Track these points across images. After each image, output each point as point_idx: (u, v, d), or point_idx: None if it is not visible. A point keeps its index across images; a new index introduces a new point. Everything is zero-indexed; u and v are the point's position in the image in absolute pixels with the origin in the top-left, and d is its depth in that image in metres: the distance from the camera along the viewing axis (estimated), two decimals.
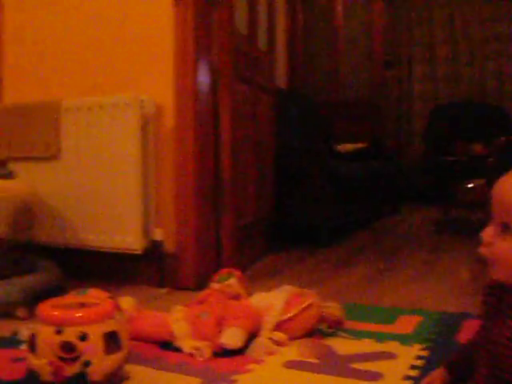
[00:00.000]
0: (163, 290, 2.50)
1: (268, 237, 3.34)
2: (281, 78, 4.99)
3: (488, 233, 1.02)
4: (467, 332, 1.87)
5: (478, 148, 4.20)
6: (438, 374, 1.26)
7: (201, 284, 2.36)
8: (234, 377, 1.53)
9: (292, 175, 3.56)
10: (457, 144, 4.38)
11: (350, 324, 1.95)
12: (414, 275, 2.80)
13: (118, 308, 1.55)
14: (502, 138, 3.04)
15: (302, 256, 3.26)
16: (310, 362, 1.64)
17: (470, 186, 4.18)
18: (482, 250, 1.03)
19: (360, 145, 4.84)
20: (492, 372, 1.03)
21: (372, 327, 1.97)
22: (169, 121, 2.52)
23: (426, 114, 6.05)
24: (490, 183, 3.20)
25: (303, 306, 1.83)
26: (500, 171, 2.83)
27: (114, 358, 1.41)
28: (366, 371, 1.57)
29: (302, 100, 4.77)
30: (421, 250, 3.50)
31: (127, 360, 1.49)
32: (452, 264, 3.11)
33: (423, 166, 5.95)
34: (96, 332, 1.38)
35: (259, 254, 3.16)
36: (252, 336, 1.75)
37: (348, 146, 4.68)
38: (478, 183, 4.14)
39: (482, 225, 2.84)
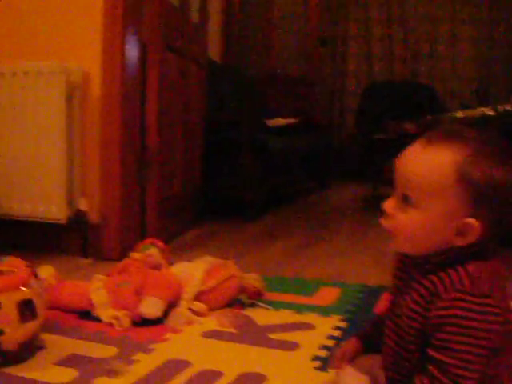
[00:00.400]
0: (87, 261, 2.47)
1: (196, 209, 3.33)
2: (215, 51, 4.95)
3: (389, 205, 1.03)
4: (383, 304, 1.93)
5: (408, 127, 4.27)
6: (352, 343, 1.28)
7: (125, 255, 2.32)
8: (151, 346, 1.53)
9: (222, 148, 3.55)
10: (388, 122, 4.45)
11: (270, 295, 1.97)
12: (338, 249, 2.85)
13: (35, 276, 1.51)
14: (428, 117, 3.10)
15: (229, 229, 3.27)
16: (229, 332, 1.66)
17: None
18: (384, 222, 1.04)
19: (292, 120, 4.85)
20: (397, 344, 1.06)
21: (292, 299, 1.99)
22: (96, 90, 2.47)
23: (360, 92, 6.12)
24: None
25: (223, 276, 1.84)
26: None
27: (29, 327, 1.39)
28: (283, 341, 1.59)
29: (235, 73, 4.76)
30: (346, 225, 3.56)
31: (43, 329, 1.47)
32: (375, 239, 3.17)
33: (354, 143, 6.04)
34: (9, 300, 1.35)
35: (186, 226, 3.15)
36: (171, 306, 1.75)
37: (280, 121, 4.68)
38: None
39: None
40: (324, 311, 1.86)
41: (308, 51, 6.07)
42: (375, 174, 4.57)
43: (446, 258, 0.99)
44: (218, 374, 1.36)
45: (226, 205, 3.74)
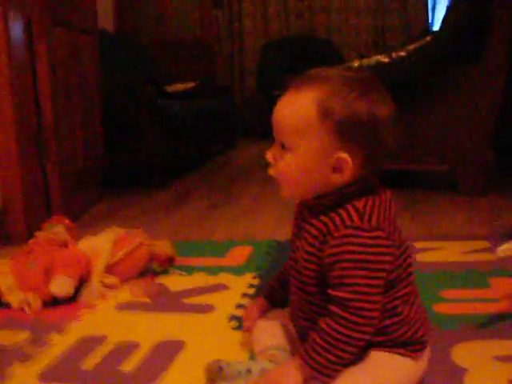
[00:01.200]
0: None
1: (101, 182, 3.26)
2: (107, 22, 4.80)
3: (270, 154, 1.06)
4: None
5: None
6: (257, 301, 1.31)
7: (32, 236, 2.26)
8: (65, 325, 1.50)
9: (122, 118, 3.47)
10: (287, 78, 4.46)
11: (181, 260, 1.96)
12: (245, 209, 2.87)
13: None
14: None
15: (137, 198, 3.22)
16: (143, 302, 1.65)
17: None
18: (270, 172, 1.07)
19: (191, 84, 4.80)
20: (300, 288, 1.09)
21: (204, 262, 2.00)
22: None
23: (258, 51, 6.12)
24: None
25: (132, 246, 1.81)
26: None
27: None
28: (198, 305, 1.60)
29: (128, 42, 4.65)
30: (253, 184, 3.58)
31: None
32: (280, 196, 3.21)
33: (256, 102, 6.06)
34: None
35: (93, 200, 3.08)
36: (83, 282, 1.72)
37: (179, 86, 4.63)
38: None
39: None
40: (237, 271, 1.88)
41: (202, 13, 5.98)
42: None
43: (335, 199, 1.02)
44: (134, 346, 1.35)
45: (132, 173, 3.69)
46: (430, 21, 5.99)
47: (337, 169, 1.00)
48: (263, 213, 2.75)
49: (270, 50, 5.98)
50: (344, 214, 0.99)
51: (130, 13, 5.51)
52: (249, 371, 1.03)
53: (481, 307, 1.48)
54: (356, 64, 2.89)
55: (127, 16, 5.47)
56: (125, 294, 1.70)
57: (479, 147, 2.69)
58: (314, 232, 1.02)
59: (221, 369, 1.04)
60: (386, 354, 1.03)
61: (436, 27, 5.82)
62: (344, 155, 0.98)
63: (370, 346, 1.02)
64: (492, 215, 2.42)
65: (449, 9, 2.61)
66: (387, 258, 0.98)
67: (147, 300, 1.66)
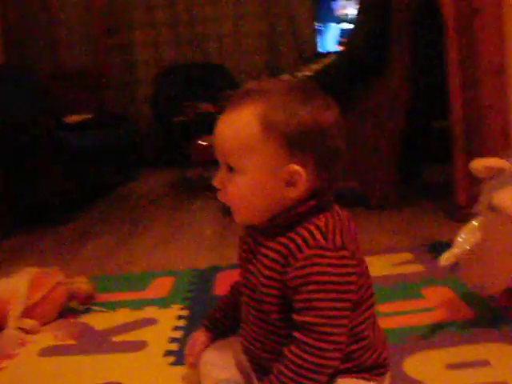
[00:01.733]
0: None
1: (2, 222, 3.06)
2: None
3: (217, 179, 1.00)
4: (222, 284, 1.90)
5: (206, 106, 4.29)
6: (199, 334, 1.22)
7: None
8: None
9: (20, 152, 3.28)
10: (185, 104, 4.43)
11: (102, 297, 1.84)
12: (161, 238, 2.77)
13: None
14: (228, 91, 3.11)
15: (41, 235, 3.04)
16: (68, 345, 1.53)
17: (202, 143, 4.26)
18: (219, 197, 1.01)
19: (87, 115, 4.66)
20: (259, 318, 1.01)
21: (126, 296, 1.89)
22: None
23: (151, 79, 6.05)
24: None
25: (49, 286, 1.69)
26: None
27: None
28: (128, 342, 1.50)
29: (20, 73, 4.45)
30: (163, 213, 3.49)
31: None
32: (196, 222, 3.15)
33: (153, 131, 5.97)
34: None
35: None
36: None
37: (74, 118, 4.47)
38: (209, 140, 4.24)
39: None
40: (162, 303, 1.79)
41: (95, 43, 5.85)
42: (181, 157, 4.53)
43: (291, 217, 0.96)
44: None
45: (32, 210, 3.49)
46: (318, 44, 6.13)
47: (290, 183, 0.95)
48: (178, 242, 2.67)
49: (163, 78, 5.93)
50: (305, 234, 0.93)
51: (20, 43, 5.29)
52: None
53: (419, 318, 1.47)
54: (285, 76, 2.89)
55: (17, 47, 5.25)
56: (47, 338, 1.57)
57: (388, 162, 2.74)
58: (273, 255, 0.96)
59: None
60: (353, 380, 0.98)
61: (323, 49, 5.98)
62: (295, 167, 0.93)
63: (337, 373, 0.96)
64: (405, 227, 2.45)
65: (354, 26, 2.66)
66: (353, 279, 0.94)
67: (72, 342, 1.53)
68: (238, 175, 0.96)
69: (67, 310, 1.74)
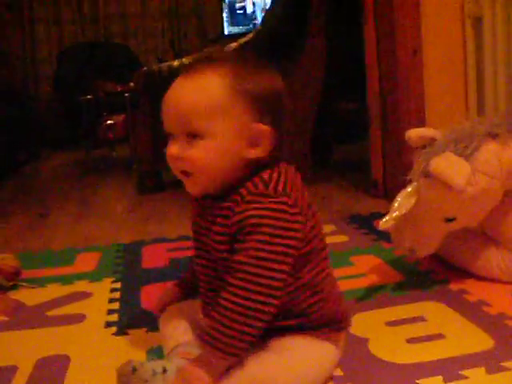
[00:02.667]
0: None
1: None
2: None
3: (173, 150, 0.98)
4: (149, 257, 1.91)
5: (112, 86, 4.21)
6: (169, 290, 1.24)
7: None
8: None
9: None
10: (94, 83, 4.33)
11: (28, 273, 1.79)
12: (77, 216, 2.71)
13: None
14: (143, 69, 3.07)
15: None
16: (1, 321, 1.47)
17: (109, 122, 4.19)
18: (175, 168, 1.00)
19: None
20: (216, 277, 1.02)
21: (53, 271, 1.85)
22: None
23: (53, 58, 5.87)
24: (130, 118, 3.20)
25: None
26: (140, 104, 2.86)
27: None
28: (65, 316, 1.47)
29: None
30: (75, 192, 3.41)
31: None
32: (109, 199, 3.10)
33: (54, 110, 5.79)
34: None
35: None
36: None
37: None
38: (117, 119, 4.17)
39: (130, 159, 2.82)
40: (93, 277, 1.76)
41: None
42: (85, 136, 4.44)
43: (242, 178, 0.98)
44: (11, 369, 1.18)
45: None
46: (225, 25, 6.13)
47: (253, 143, 0.97)
48: (95, 219, 2.63)
49: (66, 57, 5.77)
50: (249, 185, 0.95)
51: None
52: (165, 370, 0.95)
53: (353, 283, 1.53)
54: (177, 63, 2.87)
55: None
56: None
57: (303, 139, 2.80)
58: (224, 212, 0.97)
59: (134, 369, 0.95)
60: (300, 338, 1.00)
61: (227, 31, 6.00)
62: (263, 127, 0.96)
63: (288, 329, 0.99)
64: (323, 203, 2.52)
65: (271, 2, 2.68)
66: (295, 226, 0.94)
67: (5, 318, 1.48)
68: (205, 140, 0.95)
69: None
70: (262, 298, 0.90)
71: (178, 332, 1.10)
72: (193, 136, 0.96)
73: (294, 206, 0.95)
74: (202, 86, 0.96)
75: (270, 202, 0.93)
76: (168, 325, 1.14)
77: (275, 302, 0.91)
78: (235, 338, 0.90)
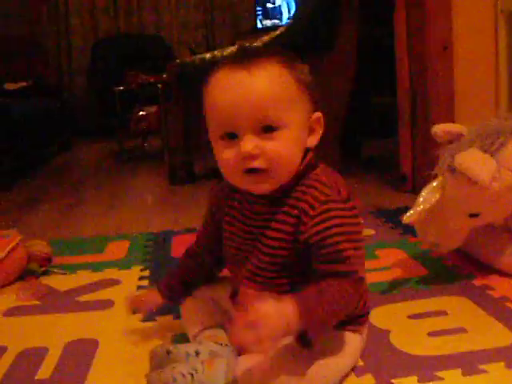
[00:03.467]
0: None
1: None
2: None
3: (250, 146, 0.93)
4: (179, 247, 1.93)
5: (145, 77, 4.25)
6: (150, 295, 1.26)
7: None
8: None
9: None
10: (126, 74, 4.38)
11: (59, 260, 1.85)
12: (108, 205, 2.77)
13: None
14: (177, 61, 3.11)
15: None
16: (32, 305, 1.52)
17: (142, 113, 4.24)
18: (256, 164, 0.95)
19: (23, 83, 4.55)
20: (264, 268, 1.03)
21: (84, 259, 1.89)
22: None
23: (87, 49, 5.93)
24: (163, 109, 3.22)
25: (9, 247, 1.67)
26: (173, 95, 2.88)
27: None
28: (95, 301, 1.51)
29: None
30: (107, 181, 3.47)
31: None
32: (141, 190, 3.16)
33: (88, 100, 5.88)
34: None
35: None
36: None
37: (10, 86, 4.36)
38: (149, 111, 4.22)
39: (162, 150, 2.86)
40: (122, 265, 1.80)
41: (29, 10, 5.68)
42: (119, 127, 4.49)
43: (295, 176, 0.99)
44: (42, 351, 1.23)
45: None
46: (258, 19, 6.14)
47: (312, 130, 1.01)
48: (126, 208, 2.68)
49: (101, 48, 5.84)
50: (312, 191, 0.97)
51: None
52: (197, 352, 0.99)
53: (377, 276, 1.54)
54: (209, 56, 2.89)
55: None
56: (8, 299, 1.56)
57: (333, 132, 2.80)
58: (281, 217, 0.99)
59: (168, 352, 0.99)
60: (335, 332, 1.02)
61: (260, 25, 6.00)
62: (319, 114, 1.01)
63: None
64: (352, 195, 2.52)
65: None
66: (362, 227, 1.00)
67: (37, 302, 1.53)
68: (281, 131, 0.95)
69: (26, 272, 1.73)
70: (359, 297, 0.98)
71: (200, 316, 1.13)
72: (268, 129, 0.94)
73: (355, 207, 1.00)
74: (272, 78, 0.95)
75: (344, 208, 0.96)
76: (191, 310, 1.17)
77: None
78: (325, 322, 0.94)
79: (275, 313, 0.86)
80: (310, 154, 1.02)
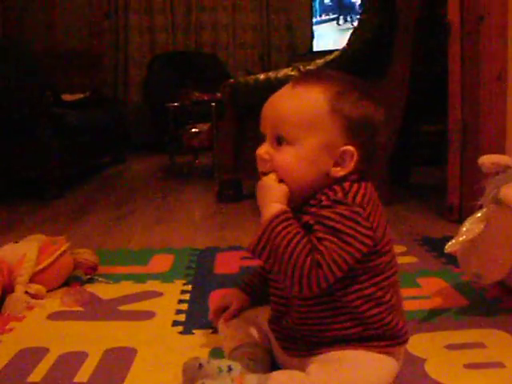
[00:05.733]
0: None
1: None
2: None
3: (262, 150, 1.04)
4: (222, 264, 1.97)
5: (199, 95, 4.32)
6: (236, 296, 1.27)
7: None
8: None
9: (16, 128, 3.29)
10: (180, 91, 4.46)
11: (104, 269, 1.90)
12: (156, 218, 2.82)
13: None
14: (231, 80, 3.16)
15: (35, 210, 3.07)
16: (75, 311, 1.56)
17: (194, 130, 4.30)
18: (261, 168, 1.05)
19: (81, 95, 4.68)
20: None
21: (128, 269, 1.94)
22: None
23: (144, 64, 6.06)
24: (215, 127, 3.28)
25: (57, 253, 1.73)
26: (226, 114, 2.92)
27: None
28: (135, 311, 1.55)
29: (19, 50, 4.44)
30: (155, 195, 3.53)
31: None
32: (189, 205, 3.20)
33: (143, 115, 5.99)
34: None
35: None
36: (5, 292, 1.60)
37: (68, 97, 4.49)
38: (202, 128, 4.28)
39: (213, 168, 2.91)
40: (165, 277, 1.84)
41: (92, 24, 5.85)
42: (171, 142, 4.57)
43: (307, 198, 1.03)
44: (82, 355, 1.27)
45: (24, 186, 3.52)
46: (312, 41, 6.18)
47: (340, 161, 1.02)
48: (173, 223, 2.72)
49: (157, 64, 5.95)
50: (329, 192, 1.00)
51: (17, 22, 5.28)
52: (230, 368, 1.00)
53: (417, 304, 1.53)
54: (263, 76, 2.93)
55: (14, 25, 5.23)
56: (53, 304, 1.61)
57: (382, 160, 2.80)
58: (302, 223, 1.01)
59: (201, 366, 1.01)
60: (366, 353, 1.02)
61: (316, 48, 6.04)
62: (351, 148, 1.01)
63: (352, 338, 1.02)
64: (398, 224, 2.52)
65: (358, 24, 2.71)
66: (362, 238, 0.97)
67: (80, 308, 1.58)
68: (291, 147, 1.01)
69: (72, 279, 1.78)
70: (312, 272, 0.94)
71: (239, 333, 1.15)
72: (281, 141, 1.02)
73: (367, 219, 0.98)
74: (302, 96, 1.02)
75: (344, 209, 0.97)
76: (229, 326, 1.19)
77: (332, 272, 0.95)
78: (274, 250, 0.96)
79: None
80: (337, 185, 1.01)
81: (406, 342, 1.09)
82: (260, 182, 1.04)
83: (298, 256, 0.94)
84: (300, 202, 1.04)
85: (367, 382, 1.00)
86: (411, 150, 3.42)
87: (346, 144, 1.01)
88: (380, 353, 1.03)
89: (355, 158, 1.01)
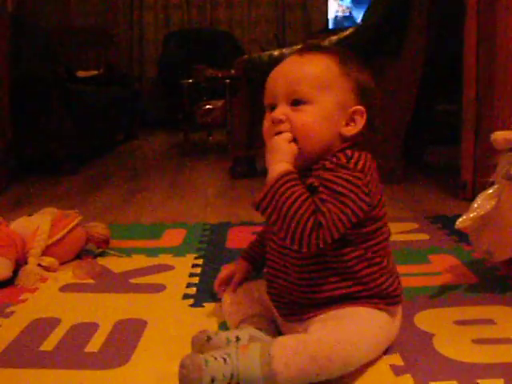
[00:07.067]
0: None
1: (6, 169, 3.08)
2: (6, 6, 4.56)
3: (279, 112, 1.06)
4: (234, 238, 1.97)
5: (213, 71, 4.31)
6: (238, 265, 1.30)
7: None
8: (10, 309, 1.41)
9: (33, 104, 3.31)
10: (194, 68, 4.45)
11: (116, 243, 1.91)
12: (168, 194, 2.83)
13: None
14: (246, 56, 3.14)
15: (49, 185, 3.10)
16: (87, 283, 1.58)
17: (208, 107, 4.30)
18: (280, 128, 1.06)
19: (95, 71, 4.68)
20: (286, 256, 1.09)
21: (140, 243, 1.95)
22: None
23: (158, 41, 6.04)
24: (228, 104, 3.28)
25: (69, 227, 1.74)
26: (239, 91, 2.91)
27: None
28: (147, 284, 1.56)
29: (33, 27, 4.45)
30: (169, 171, 3.54)
31: None
32: (202, 181, 3.21)
33: (158, 92, 5.99)
34: None
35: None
36: (19, 264, 1.62)
37: (85, 72, 4.50)
38: (216, 105, 4.27)
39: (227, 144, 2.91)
40: (177, 251, 1.85)
41: (105, 1, 5.83)
42: (185, 119, 4.57)
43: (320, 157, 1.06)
44: (93, 326, 1.29)
45: (38, 161, 3.54)
46: (328, 19, 6.13)
47: (351, 120, 1.07)
48: (186, 199, 2.73)
49: (172, 41, 5.94)
50: (333, 158, 1.03)
51: None
52: (238, 338, 1.01)
53: (428, 280, 1.53)
54: (277, 53, 2.92)
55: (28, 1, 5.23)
56: (65, 276, 1.63)
57: (397, 138, 2.78)
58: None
59: (209, 338, 1.02)
60: (362, 309, 1.05)
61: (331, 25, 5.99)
62: (361, 107, 1.06)
63: (346, 298, 1.05)
64: (410, 202, 2.51)
65: (371, 3, 2.68)
66: (362, 204, 1.00)
67: (91, 281, 1.59)
68: (310, 106, 1.05)
69: (84, 252, 1.80)
70: (313, 233, 0.97)
71: (243, 307, 1.16)
72: (298, 102, 1.05)
73: (366, 185, 1.01)
74: (313, 62, 1.08)
75: (345, 173, 1.00)
76: (233, 300, 1.20)
77: (331, 233, 0.97)
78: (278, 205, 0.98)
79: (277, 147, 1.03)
80: (346, 144, 1.07)
81: (399, 302, 1.12)
82: (271, 140, 1.05)
83: (301, 216, 0.96)
84: (306, 165, 1.06)
85: (366, 333, 1.02)
86: (425, 129, 3.39)
87: (356, 105, 1.07)
88: (377, 309, 1.06)
89: (365, 116, 1.06)
